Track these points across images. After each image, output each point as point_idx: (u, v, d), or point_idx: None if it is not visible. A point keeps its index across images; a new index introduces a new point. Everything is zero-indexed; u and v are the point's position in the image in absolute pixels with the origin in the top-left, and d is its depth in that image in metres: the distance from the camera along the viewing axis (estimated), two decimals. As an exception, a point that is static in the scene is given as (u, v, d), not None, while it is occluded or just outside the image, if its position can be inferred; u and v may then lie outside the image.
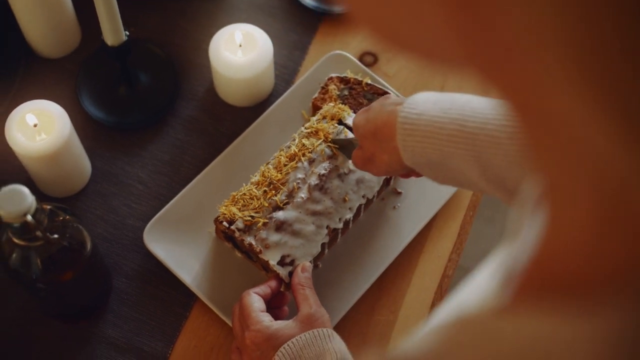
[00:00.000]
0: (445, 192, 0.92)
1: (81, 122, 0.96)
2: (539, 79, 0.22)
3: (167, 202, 0.91)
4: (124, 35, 0.87)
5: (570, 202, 0.25)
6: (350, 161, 0.85)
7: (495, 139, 0.64)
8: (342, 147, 0.86)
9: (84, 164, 0.93)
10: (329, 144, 0.86)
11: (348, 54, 0.99)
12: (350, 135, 0.87)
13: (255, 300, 0.79)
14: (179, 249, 0.89)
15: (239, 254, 0.88)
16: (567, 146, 0.23)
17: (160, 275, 0.89)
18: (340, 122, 0.88)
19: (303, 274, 0.82)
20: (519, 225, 0.30)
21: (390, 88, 0.96)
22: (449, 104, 0.67)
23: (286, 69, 1.01)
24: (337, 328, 0.85)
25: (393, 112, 0.71)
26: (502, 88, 0.24)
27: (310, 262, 0.83)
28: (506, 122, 0.64)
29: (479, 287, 0.32)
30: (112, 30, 0.85)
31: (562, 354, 0.23)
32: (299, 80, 0.98)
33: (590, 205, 0.24)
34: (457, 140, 0.66)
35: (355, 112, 0.91)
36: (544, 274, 0.27)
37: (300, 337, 0.75)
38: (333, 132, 0.86)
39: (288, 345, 0.74)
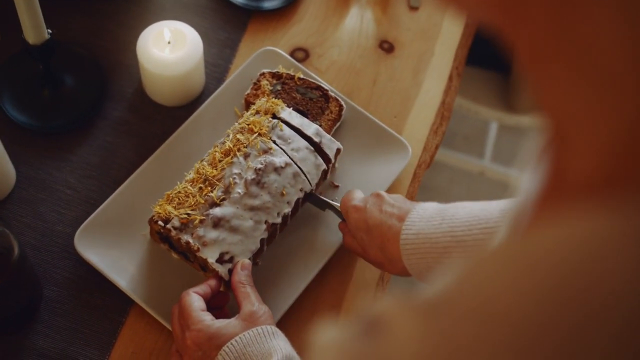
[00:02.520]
0: (382, 183, 0.91)
1: (3, 126, 0.92)
2: (584, 14, 0.24)
3: (98, 206, 0.88)
4: (46, 33, 0.84)
5: (589, 132, 0.25)
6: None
7: (480, 240, 0.73)
8: (317, 203, 0.88)
9: (8, 170, 0.89)
10: (309, 200, 0.88)
11: (279, 50, 0.98)
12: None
13: (195, 300, 0.76)
14: (113, 253, 0.86)
15: (175, 256, 0.86)
16: (597, 78, 0.24)
17: (93, 282, 0.86)
18: (275, 116, 0.87)
19: (243, 272, 0.80)
20: (521, 181, 0.31)
21: (323, 82, 0.95)
22: (439, 219, 0.76)
23: (217, 67, 0.99)
24: (280, 325, 0.83)
25: (392, 228, 0.77)
26: (534, 23, 0.25)
27: (249, 259, 0.82)
28: (486, 224, 0.74)
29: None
30: (33, 27, 0.82)
31: (604, 251, 0.23)
32: (230, 77, 0.96)
33: (609, 135, 0.25)
34: (451, 250, 0.75)
35: (289, 106, 0.90)
36: (562, 188, 0.27)
37: (244, 335, 0.73)
38: (268, 125, 0.85)
39: (231, 343, 0.72)
